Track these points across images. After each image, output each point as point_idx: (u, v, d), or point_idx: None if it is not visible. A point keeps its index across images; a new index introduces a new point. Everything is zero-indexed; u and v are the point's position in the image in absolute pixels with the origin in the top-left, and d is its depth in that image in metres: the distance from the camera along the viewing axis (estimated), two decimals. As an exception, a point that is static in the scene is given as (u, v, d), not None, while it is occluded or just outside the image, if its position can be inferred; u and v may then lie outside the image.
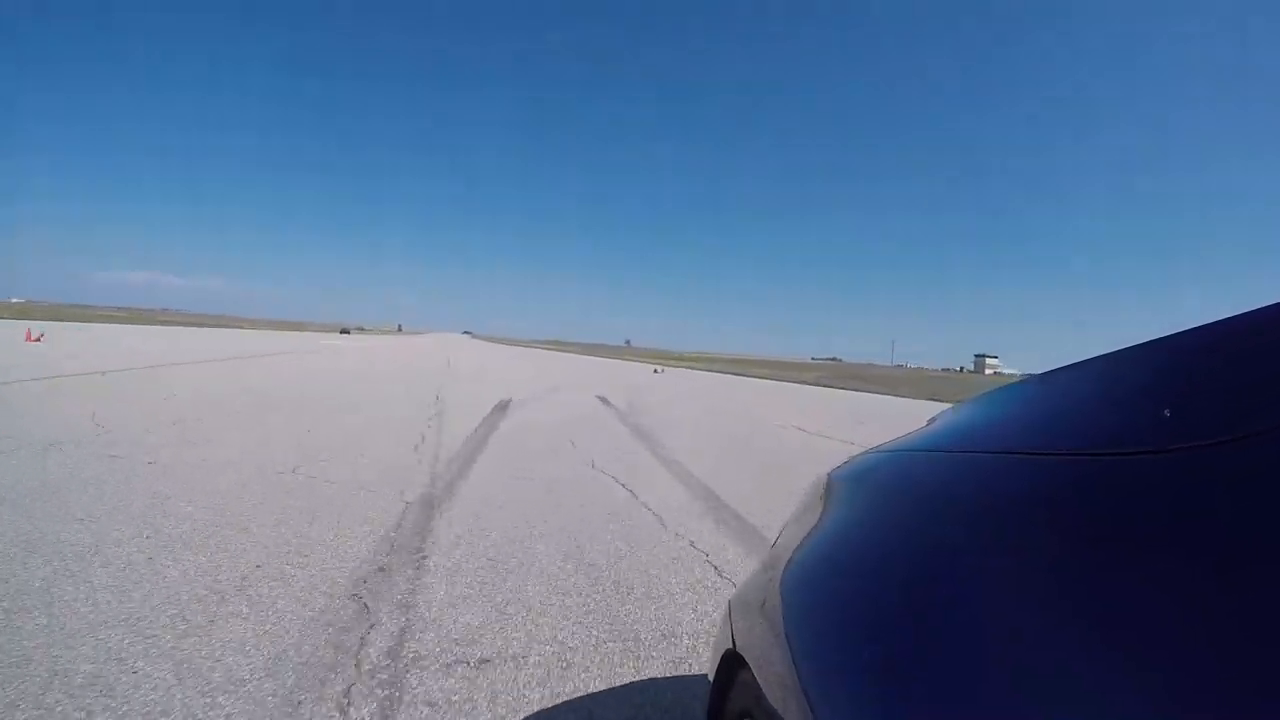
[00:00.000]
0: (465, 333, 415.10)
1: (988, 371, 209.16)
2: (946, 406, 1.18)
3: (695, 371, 33.06)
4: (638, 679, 1.99)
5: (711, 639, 1.73)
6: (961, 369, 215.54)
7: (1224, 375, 0.52)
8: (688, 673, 2.02)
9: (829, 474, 1.05)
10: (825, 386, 26.28)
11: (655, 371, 28.98)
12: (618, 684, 1.95)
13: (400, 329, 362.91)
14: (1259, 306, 0.51)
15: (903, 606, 0.62)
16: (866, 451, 1.04)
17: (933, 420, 1.06)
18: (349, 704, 1.72)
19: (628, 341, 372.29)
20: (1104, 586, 0.44)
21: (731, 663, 0.95)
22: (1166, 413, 0.50)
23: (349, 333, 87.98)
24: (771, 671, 0.74)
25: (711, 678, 1.05)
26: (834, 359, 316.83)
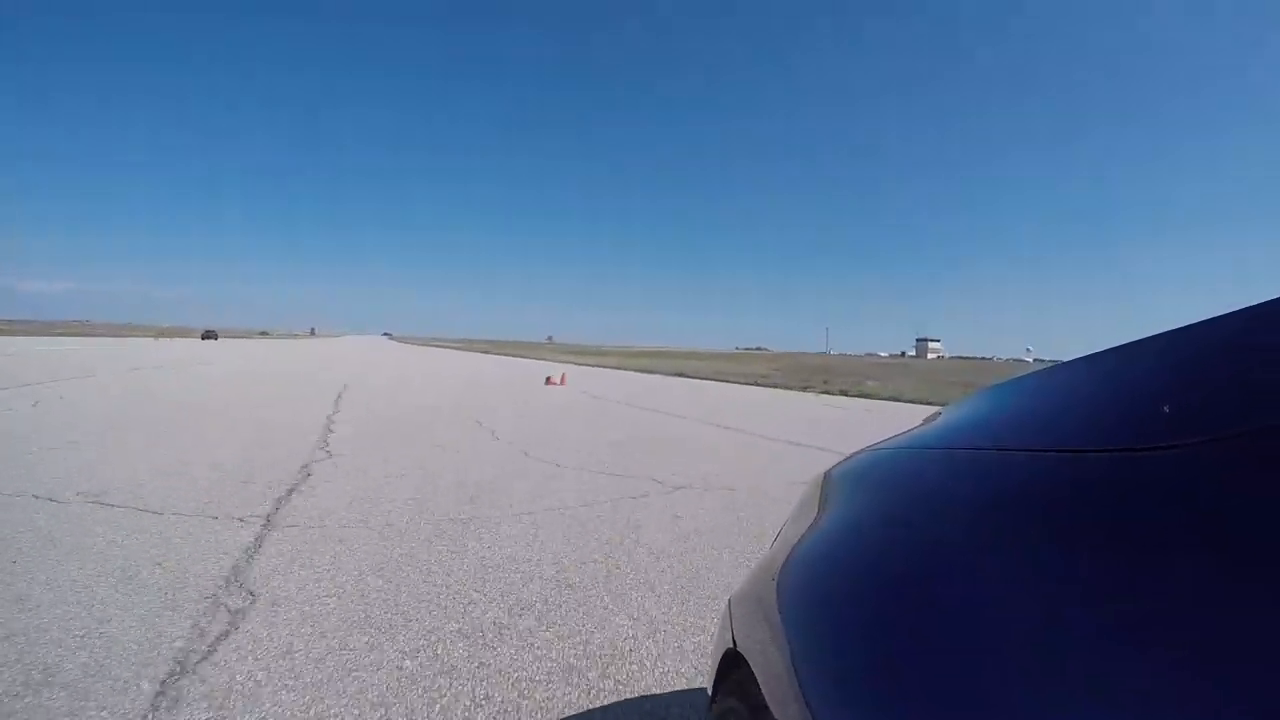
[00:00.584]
0: (385, 334, 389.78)
1: (930, 355, 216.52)
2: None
3: (619, 373, 24.52)
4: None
5: None
6: (903, 354, 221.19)
7: (1224, 371, 0.52)
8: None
9: (827, 472, 1.08)
10: (821, 393, 18.44)
11: (548, 382, 17.98)
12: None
13: (314, 332, 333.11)
14: (1259, 302, 0.52)
15: (902, 605, 0.63)
16: (865, 449, 1.07)
17: (932, 417, 1.09)
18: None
19: (550, 337, 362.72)
20: (1104, 583, 0.46)
21: (731, 662, 0.97)
22: (1166, 409, 0.51)
23: (215, 337, 75.23)
24: (771, 670, 0.75)
25: (711, 678, 1.08)
26: (760, 348, 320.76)
